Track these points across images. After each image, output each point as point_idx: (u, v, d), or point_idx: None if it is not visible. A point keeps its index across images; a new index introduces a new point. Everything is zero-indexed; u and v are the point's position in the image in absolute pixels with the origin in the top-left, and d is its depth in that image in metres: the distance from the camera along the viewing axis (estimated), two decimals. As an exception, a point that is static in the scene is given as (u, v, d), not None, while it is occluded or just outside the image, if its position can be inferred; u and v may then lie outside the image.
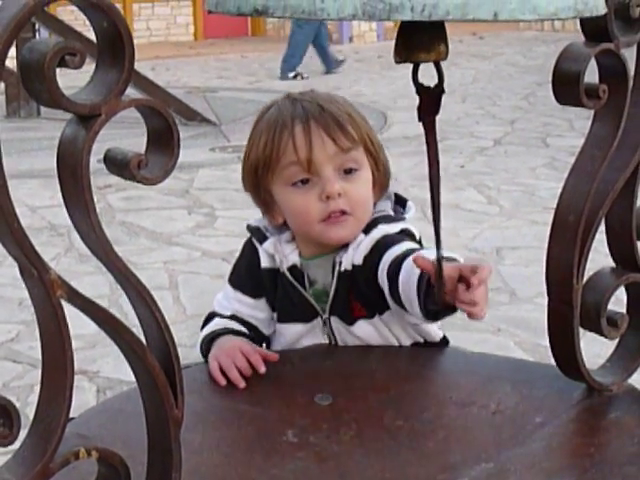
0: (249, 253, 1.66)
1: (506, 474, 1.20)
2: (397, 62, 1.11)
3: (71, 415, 0.95)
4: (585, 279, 1.33)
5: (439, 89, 1.13)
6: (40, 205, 4.71)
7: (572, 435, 1.32)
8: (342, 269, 1.55)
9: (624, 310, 1.39)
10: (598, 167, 1.27)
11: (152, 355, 0.92)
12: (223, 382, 1.44)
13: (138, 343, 0.92)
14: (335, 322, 1.58)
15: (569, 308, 1.30)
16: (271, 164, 1.53)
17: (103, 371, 2.99)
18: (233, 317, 1.63)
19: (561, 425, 1.31)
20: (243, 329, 1.61)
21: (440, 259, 1.23)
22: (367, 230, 1.55)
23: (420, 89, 1.15)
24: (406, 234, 1.56)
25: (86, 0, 0.83)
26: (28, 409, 2.39)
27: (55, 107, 0.83)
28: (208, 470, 1.21)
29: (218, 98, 8.35)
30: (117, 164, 0.87)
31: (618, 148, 1.27)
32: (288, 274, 1.58)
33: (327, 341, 1.60)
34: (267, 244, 1.61)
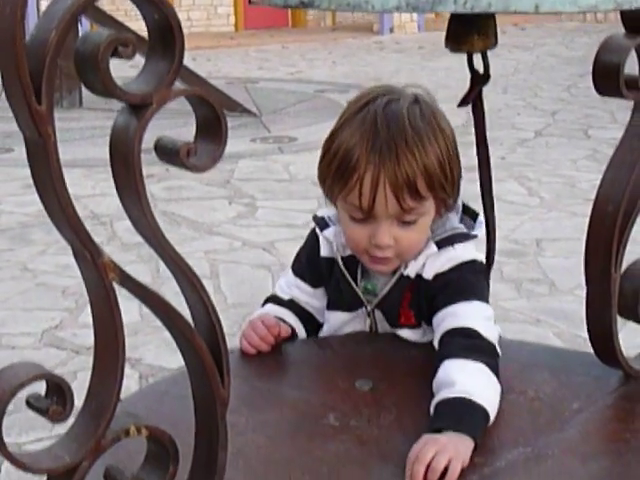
0: (311, 242, 1.68)
1: (543, 458, 1.22)
2: (452, 51, 1.13)
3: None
4: (624, 268, 1.34)
5: (487, 76, 1.15)
6: (82, 194, 4.77)
7: (608, 421, 1.33)
8: (405, 274, 1.55)
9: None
10: (637, 158, 1.28)
11: (200, 337, 0.95)
12: (248, 348, 1.53)
13: (186, 325, 0.95)
14: (379, 316, 1.61)
15: (607, 296, 1.32)
16: (336, 189, 1.51)
17: (145, 358, 3.03)
18: (291, 302, 1.67)
19: (598, 411, 1.33)
20: (295, 318, 1.65)
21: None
22: (441, 245, 1.55)
23: (475, 76, 1.16)
24: (477, 269, 1.56)
25: (138, -7, 0.86)
26: (76, 401, 2.44)
27: (109, 96, 0.86)
28: (252, 451, 1.25)
29: (259, 89, 8.39)
30: (167, 152, 0.90)
31: (657, 139, 1.29)
32: (340, 262, 1.61)
33: (369, 330, 1.62)
34: (327, 232, 1.63)
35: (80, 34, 0.90)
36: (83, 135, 6.04)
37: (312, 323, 1.67)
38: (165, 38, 0.88)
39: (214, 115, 0.91)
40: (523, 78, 9.04)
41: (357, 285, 1.60)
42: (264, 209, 4.64)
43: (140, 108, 0.88)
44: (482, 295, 1.53)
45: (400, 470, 1.21)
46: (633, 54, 1.24)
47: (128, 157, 0.87)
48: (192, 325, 0.96)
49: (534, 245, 4.08)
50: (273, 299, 1.69)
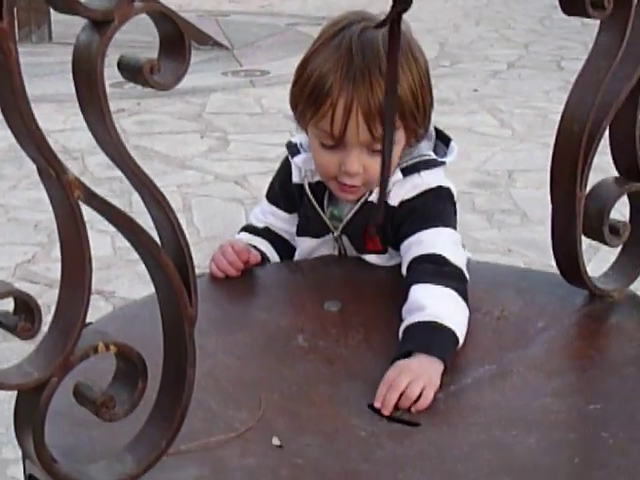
0: (284, 169, 1.68)
1: (509, 375, 1.25)
2: None
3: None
4: (588, 189, 1.36)
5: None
6: (53, 129, 4.72)
7: (573, 339, 1.36)
8: (369, 199, 1.56)
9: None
10: (603, 77, 1.29)
11: (166, 255, 0.96)
12: (216, 271, 1.54)
13: (153, 243, 0.95)
14: (346, 242, 1.62)
15: (572, 216, 1.33)
16: (309, 113, 1.51)
17: (119, 291, 3.04)
18: (266, 229, 1.68)
19: (563, 329, 1.35)
20: (269, 246, 1.65)
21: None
22: (406, 172, 1.55)
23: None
24: (442, 195, 1.55)
25: None
26: (45, 328, 2.45)
27: (70, 12, 0.85)
28: (222, 372, 1.26)
29: (230, 22, 8.29)
30: (130, 69, 0.90)
31: (623, 59, 1.29)
32: (307, 189, 1.61)
33: (338, 254, 1.63)
34: (298, 158, 1.64)
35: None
36: (53, 70, 5.96)
37: (287, 249, 1.68)
38: (126, -47, 0.87)
39: (177, 31, 0.90)
40: (496, 10, 8.98)
41: (324, 212, 1.61)
42: (236, 143, 4.62)
43: (102, 25, 0.87)
44: (449, 221, 1.54)
45: (368, 387, 1.23)
46: (599, -26, 1.24)
47: (91, 74, 0.87)
48: (159, 243, 0.97)
49: (506, 176, 4.10)
50: (247, 228, 1.70)
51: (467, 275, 1.45)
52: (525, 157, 4.35)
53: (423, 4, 8.74)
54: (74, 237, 0.91)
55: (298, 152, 1.64)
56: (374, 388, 1.22)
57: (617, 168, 1.39)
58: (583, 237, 1.38)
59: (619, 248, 1.46)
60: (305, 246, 1.65)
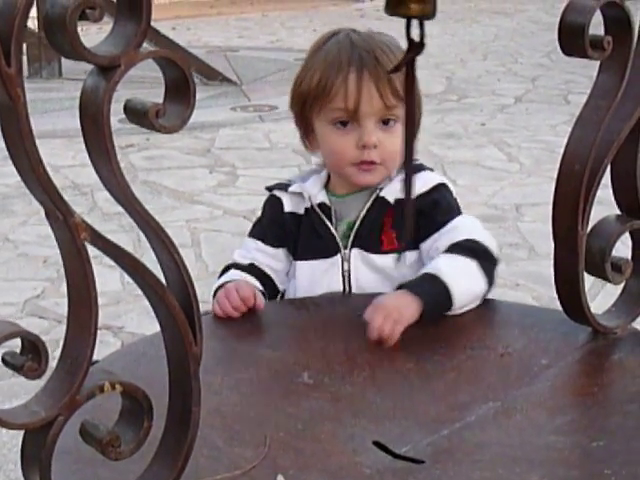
0: (270, 206, 1.73)
1: (512, 412, 1.25)
2: (390, 14, 1.14)
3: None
4: (590, 226, 1.37)
5: (422, 45, 1.16)
6: (63, 165, 4.76)
7: (576, 375, 1.36)
8: (381, 195, 1.63)
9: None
10: (603, 117, 1.30)
11: (172, 295, 0.97)
12: (220, 313, 1.53)
13: (158, 283, 0.96)
14: (355, 256, 1.64)
15: (574, 254, 1.34)
16: (319, 101, 1.62)
17: (127, 326, 3.05)
18: (251, 265, 1.69)
19: (566, 366, 1.36)
20: (257, 283, 1.66)
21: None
22: (413, 170, 1.62)
23: (410, 44, 1.17)
24: (450, 191, 1.66)
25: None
26: (54, 363, 2.46)
27: (77, 59, 0.87)
28: (227, 409, 1.27)
29: (239, 57, 8.36)
30: (136, 113, 0.92)
31: (622, 98, 1.31)
32: (318, 210, 1.66)
33: (341, 279, 1.65)
34: (293, 187, 1.69)
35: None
36: (63, 105, 6.01)
37: (271, 288, 1.69)
38: (133, 0, 0.89)
39: (182, 76, 0.92)
40: (503, 44, 9.04)
41: (335, 229, 1.64)
42: (245, 177, 4.65)
43: (108, 70, 0.89)
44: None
45: (373, 425, 1.23)
46: (598, 14, 1.26)
47: (97, 118, 0.89)
48: (164, 283, 0.98)
49: (513, 210, 4.11)
50: (234, 265, 1.71)
51: (497, 258, 1.55)
52: (533, 191, 4.36)
53: (430, 39, 8.78)
54: (80, 278, 0.92)
55: (288, 185, 1.70)
56: (379, 425, 1.23)
57: (619, 206, 1.40)
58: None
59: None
60: (306, 271, 1.66)
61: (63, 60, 6.95)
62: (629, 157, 1.36)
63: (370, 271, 1.64)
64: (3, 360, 0.92)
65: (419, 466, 1.17)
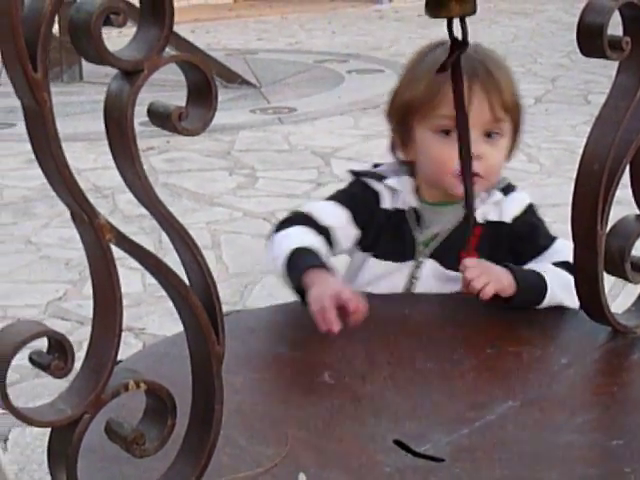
0: (363, 192, 1.67)
1: (532, 411, 1.26)
2: (431, 17, 1.16)
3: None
4: (610, 226, 1.38)
5: (465, 43, 1.18)
6: (84, 168, 4.79)
7: (596, 375, 1.37)
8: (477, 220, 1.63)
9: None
10: (622, 117, 1.31)
11: (194, 295, 0.99)
12: (324, 329, 1.43)
13: (182, 284, 0.98)
14: (428, 267, 1.64)
15: (593, 253, 1.35)
16: (425, 108, 1.60)
17: (149, 328, 3.07)
18: (326, 231, 1.60)
19: (585, 366, 1.36)
20: (324, 249, 1.58)
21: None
22: (505, 191, 1.66)
23: (454, 42, 1.20)
24: (537, 210, 1.70)
25: (128, -38, 0.89)
26: (77, 364, 2.49)
27: (101, 63, 0.89)
28: (249, 408, 1.28)
29: (258, 60, 8.38)
30: (159, 116, 0.93)
31: (642, 98, 1.31)
32: (412, 213, 1.65)
33: (406, 284, 1.66)
34: (390, 181, 1.67)
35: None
36: (84, 109, 6.04)
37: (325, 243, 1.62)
38: (155, 6, 0.91)
39: (204, 80, 0.94)
40: (523, 45, 9.02)
41: (419, 236, 1.65)
42: (264, 179, 4.67)
43: (132, 74, 0.91)
44: None
45: (393, 424, 1.24)
46: (616, 14, 1.26)
47: (121, 121, 0.90)
48: (187, 284, 1.00)
49: (533, 211, 4.11)
50: (309, 222, 1.62)
51: None
52: (553, 191, 4.36)
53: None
54: (105, 279, 0.94)
55: (384, 176, 1.67)
56: (399, 424, 1.24)
57: (638, 206, 1.41)
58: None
59: (642, 285, 1.47)
60: (376, 270, 1.67)
61: (84, 63, 6.98)
62: (648, 157, 1.36)
63: (438, 283, 1.64)
64: (30, 359, 0.93)
65: (439, 464, 1.18)
